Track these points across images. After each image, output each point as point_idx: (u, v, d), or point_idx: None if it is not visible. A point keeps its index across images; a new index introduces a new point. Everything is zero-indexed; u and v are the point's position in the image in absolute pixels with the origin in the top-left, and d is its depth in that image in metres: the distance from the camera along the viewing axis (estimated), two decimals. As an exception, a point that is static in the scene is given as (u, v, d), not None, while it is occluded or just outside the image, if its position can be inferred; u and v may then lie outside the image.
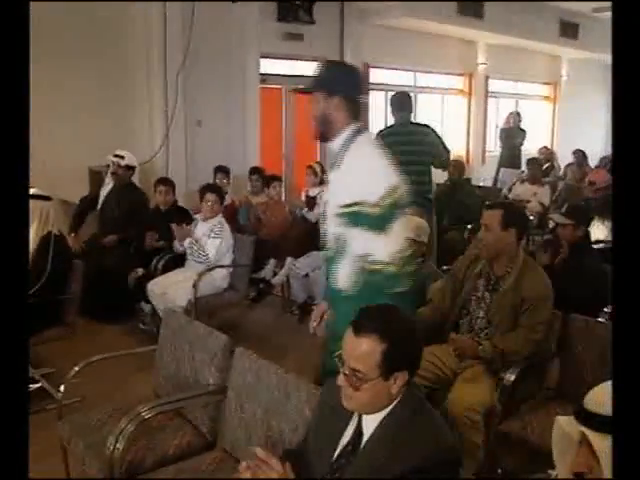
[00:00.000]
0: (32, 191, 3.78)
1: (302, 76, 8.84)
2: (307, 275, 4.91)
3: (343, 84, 2.32)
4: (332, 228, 2.36)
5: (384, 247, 2.21)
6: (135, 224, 5.05)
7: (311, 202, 5.73)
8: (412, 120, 4.96)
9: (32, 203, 3.70)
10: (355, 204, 2.21)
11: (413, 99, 5.46)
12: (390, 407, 1.72)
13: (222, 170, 6.35)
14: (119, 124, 6.81)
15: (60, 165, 6.02)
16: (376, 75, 9.86)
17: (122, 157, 5.27)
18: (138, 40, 6.91)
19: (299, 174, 8.55)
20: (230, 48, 7.39)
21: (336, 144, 2.35)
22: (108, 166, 5.60)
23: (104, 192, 5.40)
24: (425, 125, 5.00)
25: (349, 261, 2.28)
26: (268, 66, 8.14)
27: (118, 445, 2.30)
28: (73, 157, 6.32)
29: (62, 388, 2.82)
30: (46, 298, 3.58)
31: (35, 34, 6.27)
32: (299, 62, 8.71)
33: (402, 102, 4.79)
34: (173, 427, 2.66)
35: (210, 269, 4.39)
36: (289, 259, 5.08)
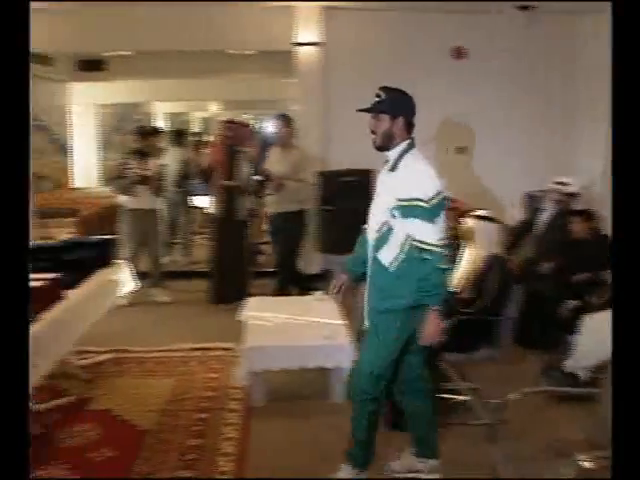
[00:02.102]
0: (481, 212, 3.93)
1: None
2: None
3: (405, 107, 2.85)
4: (379, 218, 2.85)
5: (433, 233, 2.70)
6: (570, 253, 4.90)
7: None
8: None
9: (480, 224, 3.85)
10: (415, 199, 2.70)
11: None
12: None
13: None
14: (556, 146, 6.74)
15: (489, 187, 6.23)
16: None
17: (565, 184, 5.16)
18: (587, 57, 6.72)
19: None
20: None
21: (393, 153, 2.85)
22: (545, 191, 5.54)
23: (543, 217, 5.36)
24: None
25: (395, 243, 2.79)
26: None
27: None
28: (503, 180, 6.50)
29: (496, 409, 2.83)
30: (485, 318, 3.68)
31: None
32: None
33: None
34: None
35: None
36: None
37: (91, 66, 10.76)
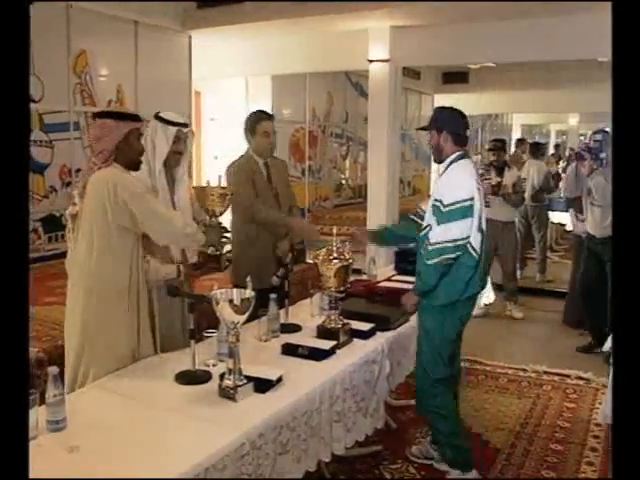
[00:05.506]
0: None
1: None
2: None
3: (449, 123, 3.13)
4: (427, 218, 3.13)
5: (437, 234, 2.97)
6: None
7: None
8: None
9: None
10: (437, 200, 3.00)
11: None
12: None
13: None
14: None
15: None
16: None
17: None
18: None
19: None
20: None
21: (444, 164, 3.15)
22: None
23: None
24: None
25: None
26: None
27: None
28: None
29: None
30: None
31: None
32: None
33: None
34: None
35: None
36: None
37: (455, 78, 11.08)
